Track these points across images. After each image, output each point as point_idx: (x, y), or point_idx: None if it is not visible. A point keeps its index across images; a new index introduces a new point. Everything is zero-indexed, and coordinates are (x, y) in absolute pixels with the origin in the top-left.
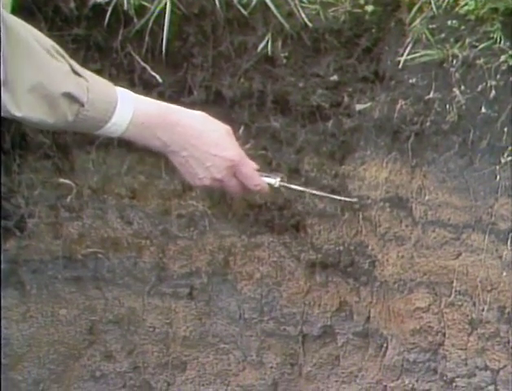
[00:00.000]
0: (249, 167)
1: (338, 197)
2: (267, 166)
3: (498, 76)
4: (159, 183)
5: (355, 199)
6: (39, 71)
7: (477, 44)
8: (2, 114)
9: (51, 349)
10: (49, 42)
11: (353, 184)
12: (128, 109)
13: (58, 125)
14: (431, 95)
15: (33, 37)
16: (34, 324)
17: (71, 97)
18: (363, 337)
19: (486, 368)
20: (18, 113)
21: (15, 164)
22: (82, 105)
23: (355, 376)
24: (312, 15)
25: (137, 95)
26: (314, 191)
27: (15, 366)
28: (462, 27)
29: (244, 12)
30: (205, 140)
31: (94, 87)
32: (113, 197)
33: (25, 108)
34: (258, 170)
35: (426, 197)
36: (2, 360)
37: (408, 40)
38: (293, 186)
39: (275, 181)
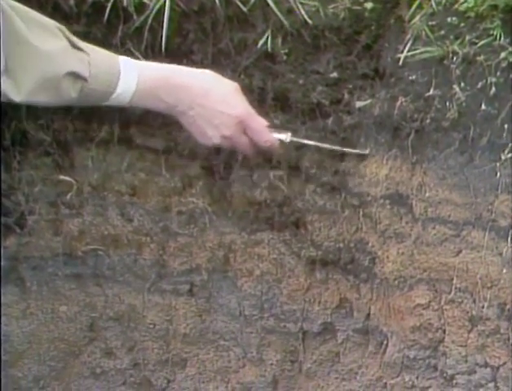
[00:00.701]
0: (259, 123)
1: (349, 150)
2: (267, 162)
3: (498, 73)
4: (159, 180)
5: (365, 152)
6: (38, 55)
7: (477, 41)
8: (2, 100)
9: (51, 346)
10: (46, 19)
11: (353, 181)
12: (132, 77)
13: (62, 104)
14: (431, 92)
15: (35, 20)
16: (34, 321)
17: (74, 75)
18: (363, 334)
19: (486, 365)
20: (17, 98)
21: (15, 161)
22: (85, 80)
23: (355, 373)
24: (312, 12)
25: (139, 62)
26: (325, 145)
27: (15, 363)
28: (462, 24)
29: (244, 9)
30: (211, 98)
31: (96, 60)
32: (113, 194)
33: (26, 93)
34: (268, 126)
35: (427, 194)
36: (2, 357)
37: (408, 37)
38: (304, 141)
39: (286, 136)
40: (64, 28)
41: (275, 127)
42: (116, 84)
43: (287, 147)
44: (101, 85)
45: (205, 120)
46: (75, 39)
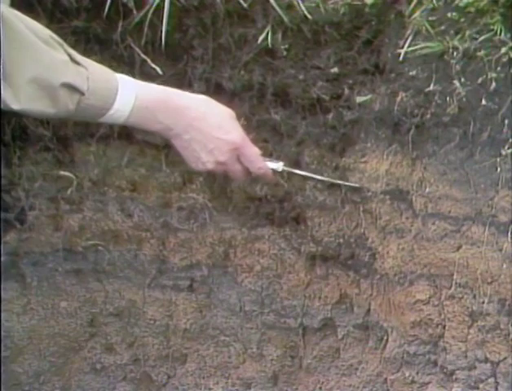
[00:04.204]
0: (253, 150)
1: (341, 182)
2: (268, 157)
3: (499, 69)
4: (159, 176)
5: (357, 185)
6: (37, 63)
7: (477, 36)
8: (2, 107)
9: (52, 342)
10: (47, 32)
11: (353, 176)
12: (130, 95)
13: (59, 115)
14: (432, 87)
15: (29, 29)
16: (35, 316)
17: (71, 87)
18: (363, 330)
19: (486, 360)
20: (16, 106)
21: (15, 156)
22: (83, 94)
23: (356, 369)
24: (312, 8)
25: (137, 81)
26: (317, 176)
27: (16, 358)
28: (462, 19)
29: (244, 4)
30: (207, 123)
31: (95, 75)
32: (114, 190)
33: (25, 101)
34: (262, 155)
35: (427, 189)
36: (3, 352)
37: (408, 32)
38: (296, 171)
39: (279, 165)
40: (62, 41)
41: (268, 156)
42: (114, 100)
43: (287, 144)
44: (99, 100)
45: (199, 145)
46: (74, 53)
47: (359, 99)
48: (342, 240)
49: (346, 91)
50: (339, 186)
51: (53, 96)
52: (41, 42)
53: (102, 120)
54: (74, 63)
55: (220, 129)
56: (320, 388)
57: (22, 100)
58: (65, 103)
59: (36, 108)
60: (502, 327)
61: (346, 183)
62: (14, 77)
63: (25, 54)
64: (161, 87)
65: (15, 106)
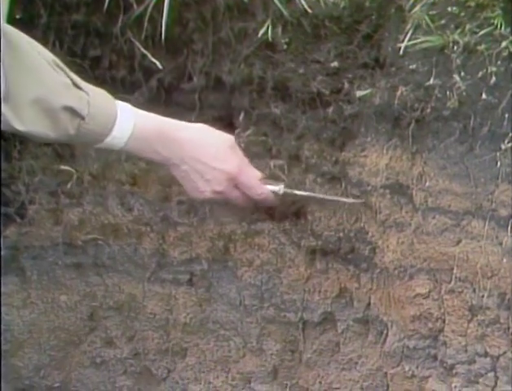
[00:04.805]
0: (251, 177)
1: (345, 199)
2: (268, 152)
3: (499, 63)
4: (159, 170)
5: (362, 201)
6: (40, 84)
7: (477, 30)
8: (4, 128)
9: (52, 336)
10: (50, 56)
11: (353, 171)
12: (128, 123)
13: (60, 139)
14: (432, 82)
15: (34, 50)
16: (35, 310)
17: (72, 110)
18: (363, 324)
19: (486, 355)
20: (21, 127)
21: (15, 150)
22: (83, 118)
23: (355, 363)
24: (312, 2)
25: (136, 109)
26: (320, 195)
27: (16, 352)
28: (462, 13)
29: None
30: (204, 153)
31: (95, 101)
32: (114, 184)
33: (28, 122)
34: (264, 178)
35: (427, 184)
36: (3, 346)
37: (409, 26)
38: (298, 192)
39: (279, 188)
40: (64, 65)
41: (269, 178)
42: (112, 126)
43: (286, 139)
44: (98, 126)
45: (197, 175)
46: (76, 77)
47: (359, 93)
48: (341, 234)
49: (346, 85)
50: (339, 179)
51: (54, 119)
52: (46, 64)
53: (100, 146)
54: (76, 88)
55: (216, 160)
56: (320, 382)
57: (26, 122)
58: (66, 127)
59: (37, 130)
60: (502, 321)
61: (351, 200)
62: (17, 98)
63: (29, 75)
64: (160, 117)
65: (19, 127)
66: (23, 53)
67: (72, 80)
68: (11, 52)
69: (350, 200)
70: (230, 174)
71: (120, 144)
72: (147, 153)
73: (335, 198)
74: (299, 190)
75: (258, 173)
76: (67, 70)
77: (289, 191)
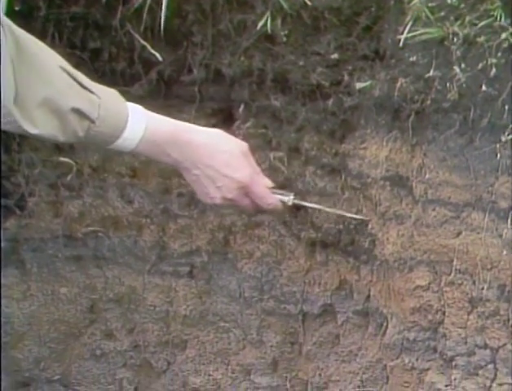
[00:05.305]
0: (261, 187)
1: (353, 215)
2: (267, 145)
3: (499, 54)
4: (159, 163)
5: (368, 218)
6: (48, 85)
7: (477, 22)
8: (13, 130)
9: (52, 328)
10: (59, 58)
11: (353, 163)
12: (140, 125)
13: (69, 141)
14: (431, 73)
15: (41, 51)
16: (35, 303)
17: (80, 113)
18: (363, 316)
19: (485, 346)
20: (30, 129)
21: (15, 142)
22: (93, 121)
23: (355, 355)
24: None
25: (147, 111)
26: (327, 209)
27: (16, 344)
28: (462, 5)
29: None
30: (216, 160)
31: (106, 103)
32: (114, 176)
33: (37, 124)
34: (273, 187)
35: (427, 176)
36: (3, 338)
37: (408, 18)
38: (306, 204)
39: (289, 199)
40: (73, 68)
41: (279, 188)
42: (124, 129)
43: (286, 131)
44: (108, 128)
45: (208, 181)
46: (86, 79)
47: (358, 85)
48: (341, 227)
49: (346, 77)
50: (339, 171)
51: (63, 120)
52: (53, 66)
53: (110, 148)
54: (85, 90)
55: (228, 167)
56: (320, 374)
57: (35, 123)
58: (74, 129)
59: (47, 132)
60: (502, 313)
61: (356, 216)
62: (25, 100)
63: (37, 76)
64: (172, 120)
65: (29, 129)
66: (31, 54)
67: (81, 82)
68: (18, 53)
69: (358, 217)
70: (241, 183)
71: (131, 146)
72: (158, 156)
73: (343, 213)
74: (308, 201)
75: (268, 182)
76: (76, 72)
77: (297, 201)
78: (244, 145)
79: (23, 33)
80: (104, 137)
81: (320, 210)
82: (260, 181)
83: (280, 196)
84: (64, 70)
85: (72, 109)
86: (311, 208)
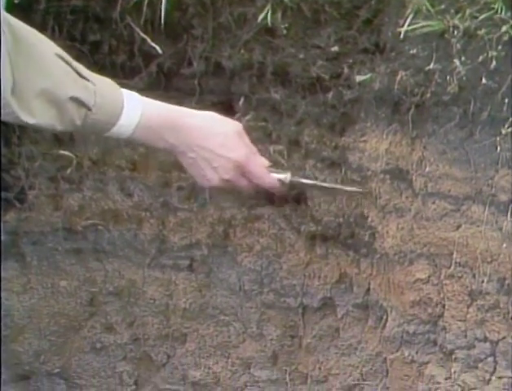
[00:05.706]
0: (258, 166)
1: (349, 188)
2: (267, 138)
3: (499, 47)
4: (159, 155)
5: (366, 190)
6: (46, 75)
7: (478, 15)
8: (11, 121)
9: (52, 321)
10: (55, 47)
11: (353, 156)
12: (135, 112)
13: (67, 130)
14: (432, 66)
15: (39, 41)
16: (35, 296)
17: (78, 101)
18: (363, 309)
19: (485, 340)
20: (28, 119)
21: (14, 135)
22: (89, 109)
23: (355, 348)
24: None
25: (143, 97)
26: (325, 184)
27: (16, 337)
28: None
29: None
30: (211, 141)
31: (102, 91)
32: (113, 169)
33: (35, 114)
34: (270, 166)
35: (427, 169)
36: (3, 331)
37: (409, 11)
38: (304, 181)
39: (286, 176)
40: (69, 57)
41: (276, 167)
42: (120, 116)
43: (286, 124)
44: (104, 116)
45: (204, 163)
46: (82, 68)
47: (359, 78)
48: (341, 220)
49: (346, 70)
50: (339, 165)
51: (61, 110)
52: (51, 55)
53: (107, 135)
54: (82, 78)
55: (223, 148)
56: (320, 367)
57: (33, 114)
58: (72, 118)
59: (44, 122)
60: (502, 306)
61: (354, 189)
62: (23, 90)
63: (35, 66)
64: (167, 105)
65: (27, 119)
66: (28, 44)
67: (77, 70)
68: (17, 44)
69: (355, 189)
70: (237, 163)
71: (127, 133)
72: (154, 141)
73: (340, 186)
74: (305, 178)
75: (265, 162)
76: (72, 61)
77: (295, 179)
78: (238, 125)
79: (19, 24)
80: (101, 124)
81: (318, 186)
82: (257, 160)
83: (277, 175)
84: (61, 57)
85: (70, 98)
86: (307, 184)
